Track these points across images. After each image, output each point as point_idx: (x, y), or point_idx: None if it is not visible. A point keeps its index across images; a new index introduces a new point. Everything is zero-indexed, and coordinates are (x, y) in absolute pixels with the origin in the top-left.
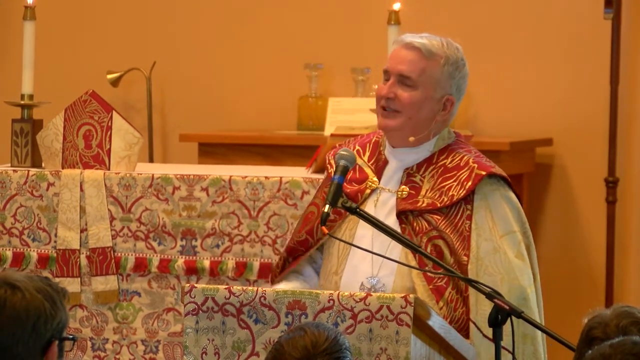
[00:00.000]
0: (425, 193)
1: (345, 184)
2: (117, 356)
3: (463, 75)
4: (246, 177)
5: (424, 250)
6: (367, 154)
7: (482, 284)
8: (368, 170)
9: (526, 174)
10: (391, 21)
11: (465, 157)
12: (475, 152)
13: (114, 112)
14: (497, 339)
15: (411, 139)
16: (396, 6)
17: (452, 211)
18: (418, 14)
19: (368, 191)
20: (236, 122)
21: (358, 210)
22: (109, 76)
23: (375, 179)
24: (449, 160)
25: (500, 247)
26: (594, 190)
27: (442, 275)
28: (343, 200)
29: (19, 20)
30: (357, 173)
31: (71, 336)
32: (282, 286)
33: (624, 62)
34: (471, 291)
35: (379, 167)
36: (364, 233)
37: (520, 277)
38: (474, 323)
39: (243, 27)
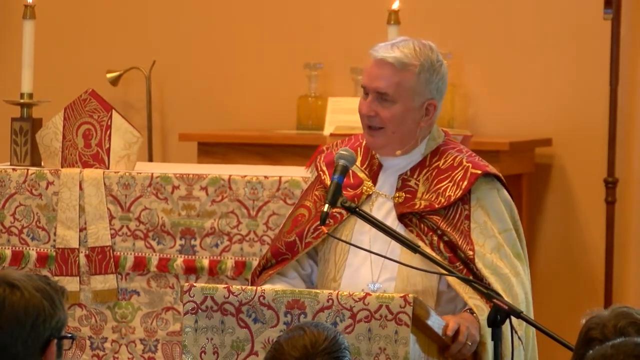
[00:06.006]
0: (422, 196)
1: None
2: (116, 355)
3: (442, 76)
4: (245, 176)
5: (423, 250)
6: (359, 158)
7: (480, 284)
8: (362, 175)
9: (525, 174)
10: (391, 21)
11: (458, 158)
12: (467, 151)
13: (113, 111)
14: (496, 338)
15: (398, 152)
16: (395, 6)
17: (450, 212)
18: (418, 14)
19: (364, 196)
20: (236, 122)
21: (357, 209)
22: (109, 75)
23: (370, 183)
24: (442, 161)
25: (502, 244)
26: (593, 190)
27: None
28: (343, 199)
29: (18, 19)
30: (352, 178)
31: (70, 335)
32: (269, 286)
33: (623, 63)
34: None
35: (374, 172)
36: (361, 239)
37: (523, 274)
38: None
39: (243, 27)
